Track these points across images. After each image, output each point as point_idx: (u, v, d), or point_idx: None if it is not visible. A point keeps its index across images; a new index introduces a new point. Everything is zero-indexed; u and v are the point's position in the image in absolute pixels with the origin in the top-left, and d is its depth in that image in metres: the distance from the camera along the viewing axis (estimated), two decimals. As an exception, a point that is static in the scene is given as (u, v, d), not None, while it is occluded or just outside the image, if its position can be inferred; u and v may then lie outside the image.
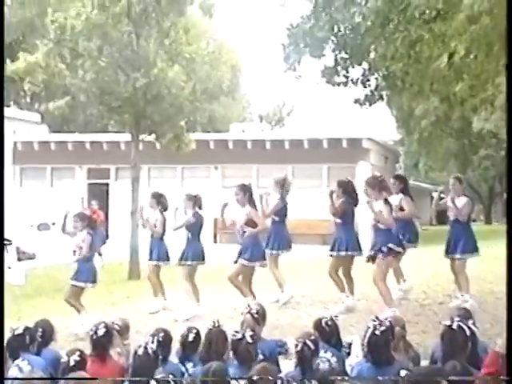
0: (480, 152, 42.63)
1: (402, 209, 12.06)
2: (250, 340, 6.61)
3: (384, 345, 6.14)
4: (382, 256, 10.88)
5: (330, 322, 7.50)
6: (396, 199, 12.07)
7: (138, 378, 6.24)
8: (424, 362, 7.07)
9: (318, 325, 7.45)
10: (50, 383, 6.70)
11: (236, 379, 6.27)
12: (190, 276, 12.25)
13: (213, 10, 19.52)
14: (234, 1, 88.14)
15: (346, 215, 11.80)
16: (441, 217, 13.66)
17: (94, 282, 11.96)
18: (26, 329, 7.29)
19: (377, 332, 6.14)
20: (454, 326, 6.01)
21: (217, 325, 7.03)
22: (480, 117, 33.00)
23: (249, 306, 8.17)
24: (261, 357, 7.14)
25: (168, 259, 12.71)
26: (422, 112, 24.14)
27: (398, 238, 11.35)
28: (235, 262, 11.73)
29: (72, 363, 6.56)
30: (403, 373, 5.71)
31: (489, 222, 52.24)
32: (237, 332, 6.87)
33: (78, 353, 6.70)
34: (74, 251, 11.88)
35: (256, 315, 7.79)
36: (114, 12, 18.09)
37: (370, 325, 6.28)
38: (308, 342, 6.64)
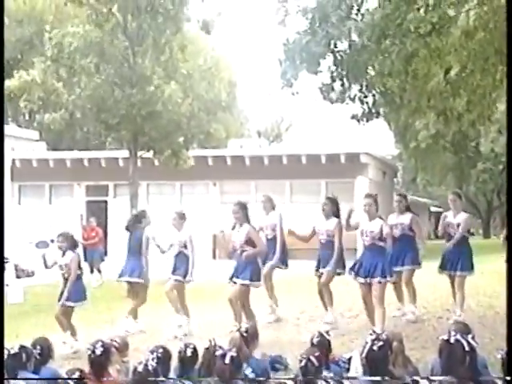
0: (478, 166, 42.68)
1: (411, 229, 12.00)
2: (227, 361, 6.55)
3: (382, 360, 6.12)
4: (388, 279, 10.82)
5: (320, 338, 7.50)
6: (405, 218, 12.03)
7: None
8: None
9: (310, 341, 7.47)
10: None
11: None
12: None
13: (211, 27, 19.56)
14: (231, 18, 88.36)
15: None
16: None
17: (84, 299, 11.78)
18: (22, 347, 7.27)
19: (374, 347, 6.12)
20: (452, 340, 5.98)
21: (213, 343, 7.02)
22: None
23: (239, 323, 8.12)
24: (252, 375, 7.14)
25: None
26: (422, 126, 24.20)
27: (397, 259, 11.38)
28: (233, 281, 11.25)
29: (72, 383, 6.54)
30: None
31: (487, 236, 52.17)
32: (220, 347, 6.86)
33: (77, 373, 6.67)
34: (63, 273, 11.65)
35: (245, 334, 7.71)
36: (109, 29, 18.17)
37: (367, 340, 6.26)
38: (312, 358, 6.62)
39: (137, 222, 13.23)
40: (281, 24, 12.31)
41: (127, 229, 13.28)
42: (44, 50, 18.79)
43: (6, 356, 7.15)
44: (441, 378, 5.83)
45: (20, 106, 20.91)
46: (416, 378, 6.06)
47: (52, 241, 20.98)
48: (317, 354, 6.76)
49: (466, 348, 5.95)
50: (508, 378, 5.71)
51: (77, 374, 6.61)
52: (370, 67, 11.97)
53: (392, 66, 10.79)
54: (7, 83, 19.83)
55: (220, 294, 12.41)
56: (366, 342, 6.24)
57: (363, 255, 10.91)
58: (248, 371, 7.26)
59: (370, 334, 6.42)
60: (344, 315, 12.92)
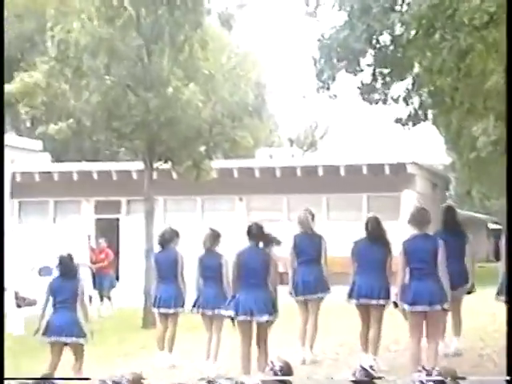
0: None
1: None
2: None
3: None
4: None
5: (362, 373, 7.44)
6: None
7: None
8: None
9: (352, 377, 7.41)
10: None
11: None
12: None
13: (232, 22, 19.61)
14: (257, 10, 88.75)
15: None
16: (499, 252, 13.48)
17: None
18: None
19: (424, 387, 6.07)
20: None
21: (240, 382, 6.99)
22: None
23: (271, 362, 8.07)
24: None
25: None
26: (480, 132, 24.08)
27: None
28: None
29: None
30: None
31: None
32: None
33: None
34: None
35: (279, 373, 7.70)
36: (121, 25, 18.24)
37: (416, 377, 6.21)
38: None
39: (171, 237, 13.30)
40: (312, 16, 12.29)
41: (161, 244, 13.33)
42: (47, 48, 18.88)
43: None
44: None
45: (21, 113, 21.00)
46: None
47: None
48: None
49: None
50: (508, 378, 5.71)
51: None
52: (416, 64, 11.93)
53: (443, 63, 10.74)
54: (7, 87, 19.98)
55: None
56: (413, 382, 6.20)
57: (412, 281, 10.79)
58: None
59: (419, 371, 6.36)
60: (390, 349, 12.84)
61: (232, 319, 11.08)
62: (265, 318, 10.90)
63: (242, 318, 10.96)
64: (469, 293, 12.25)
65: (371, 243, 11.68)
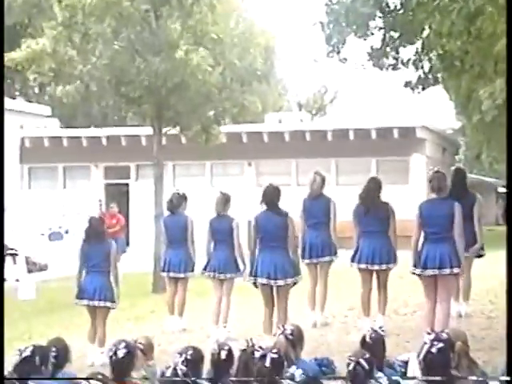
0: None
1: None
2: (267, 363, 6.55)
3: (442, 363, 6.07)
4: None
5: (373, 335, 7.48)
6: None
7: None
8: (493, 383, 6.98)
9: (362, 341, 7.45)
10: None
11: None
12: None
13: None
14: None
15: None
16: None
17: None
18: (36, 348, 7.30)
19: (433, 349, 6.07)
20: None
21: (251, 344, 7.01)
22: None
23: (282, 326, 8.12)
24: (302, 377, 7.17)
25: None
26: (487, 95, 23.95)
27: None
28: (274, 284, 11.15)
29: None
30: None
31: None
32: (261, 348, 6.86)
33: (99, 377, 6.73)
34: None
35: (291, 336, 7.74)
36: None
37: (425, 339, 6.22)
38: (362, 361, 6.59)
39: (180, 202, 13.34)
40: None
41: (170, 209, 13.37)
42: (54, 14, 18.76)
43: (17, 359, 7.22)
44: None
45: (29, 79, 20.94)
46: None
47: (67, 231, 21.18)
48: (367, 356, 6.72)
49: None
50: (508, 378, 5.74)
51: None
52: (426, 27, 11.86)
53: (452, 26, 10.67)
54: (14, 55, 19.88)
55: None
56: (424, 343, 6.21)
57: (425, 244, 10.74)
58: (298, 373, 7.28)
59: (428, 334, 6.38)
60: (398, 312, 12.88)
61: (254, 283, 11.16)
62: (283, 280, 10.94)
63: (261, 280, 11.01)
64: (479, 256, 12.27)
65: (370, 206, 11.68)
